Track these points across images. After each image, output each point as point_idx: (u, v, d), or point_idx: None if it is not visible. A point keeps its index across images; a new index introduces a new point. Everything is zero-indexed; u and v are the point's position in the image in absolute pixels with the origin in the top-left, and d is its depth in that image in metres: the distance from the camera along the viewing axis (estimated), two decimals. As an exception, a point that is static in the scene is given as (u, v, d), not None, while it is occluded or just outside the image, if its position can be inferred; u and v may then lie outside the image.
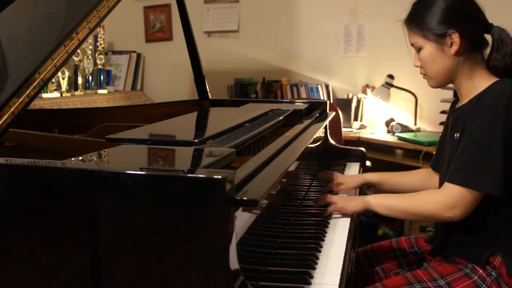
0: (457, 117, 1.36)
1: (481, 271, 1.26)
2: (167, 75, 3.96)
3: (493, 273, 1.25)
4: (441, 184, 1.39)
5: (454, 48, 1.29)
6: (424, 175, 1.63)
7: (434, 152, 1.62)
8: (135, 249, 0.82)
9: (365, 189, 1.83)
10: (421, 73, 1.40)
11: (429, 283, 1.26)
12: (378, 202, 1.35)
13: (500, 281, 1.24)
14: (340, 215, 1.43)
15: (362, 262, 1.56)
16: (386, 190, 1.70)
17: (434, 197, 1.28)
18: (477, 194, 1.21)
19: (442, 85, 1.39)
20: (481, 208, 1.24)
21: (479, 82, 1.31)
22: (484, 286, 1.24)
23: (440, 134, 1.55)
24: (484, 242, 1.28)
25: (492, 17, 1.36)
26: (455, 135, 1.33)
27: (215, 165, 0.90)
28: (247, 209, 0.97)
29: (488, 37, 1.34)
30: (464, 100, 1.35)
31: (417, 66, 1.39)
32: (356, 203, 1.40)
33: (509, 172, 1.20)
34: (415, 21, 1.35)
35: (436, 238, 1.42)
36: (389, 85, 3.20)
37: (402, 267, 1.50)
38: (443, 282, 1.26)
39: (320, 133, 1.91)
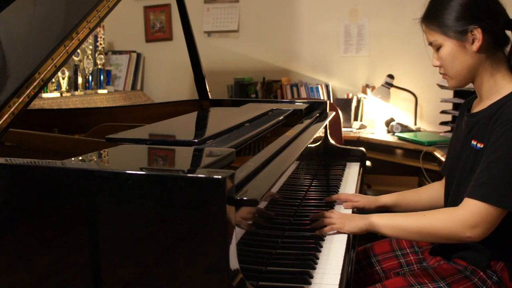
0: (476, 122, 1.29)
1: (481, 273, 1.26)
2: (167, 75, 3.96)
3: (493, 277, 1.25)
4: (450, 191, 1.36)
5: (477, 44, 1.23)
6: (439, 188, 1.54)
7: (444, 159, 1.54)
8: (135, 248, 0.82)
9: (365, 189, 1.82)
10: (441, 73, 1.33)
11: (429, 284, 1.26)
12: (384, 223, 1.26)
13: (501, 285, 1.24)
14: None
15: (362, 261, 1.55)
16: (402, 210, 1.58)
17: (453, 215, 1.17)
18: (502, 212, 1.14)
19: (462, 84, 1.31)
20: None
21: (501, 82, 1.26)
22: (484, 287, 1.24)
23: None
24: (487, 247, 1.26)
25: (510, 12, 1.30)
26: (473, 142, 1.27)
27: (215, 165, 0.90)
28: (247, 209, 0.97)
29: (508, 33, 1.28)
30: (485, 102, 1.30)
31: (436, 66, 1.32)
32: (356, 223, 1.30)
33: None
34: (433, 18, 1.28)
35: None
36: (389, 85, 3.21)
37: (402, 267, 1.50)
38: (443, 284, 1.25)
39: (320, 133, 1.91)
